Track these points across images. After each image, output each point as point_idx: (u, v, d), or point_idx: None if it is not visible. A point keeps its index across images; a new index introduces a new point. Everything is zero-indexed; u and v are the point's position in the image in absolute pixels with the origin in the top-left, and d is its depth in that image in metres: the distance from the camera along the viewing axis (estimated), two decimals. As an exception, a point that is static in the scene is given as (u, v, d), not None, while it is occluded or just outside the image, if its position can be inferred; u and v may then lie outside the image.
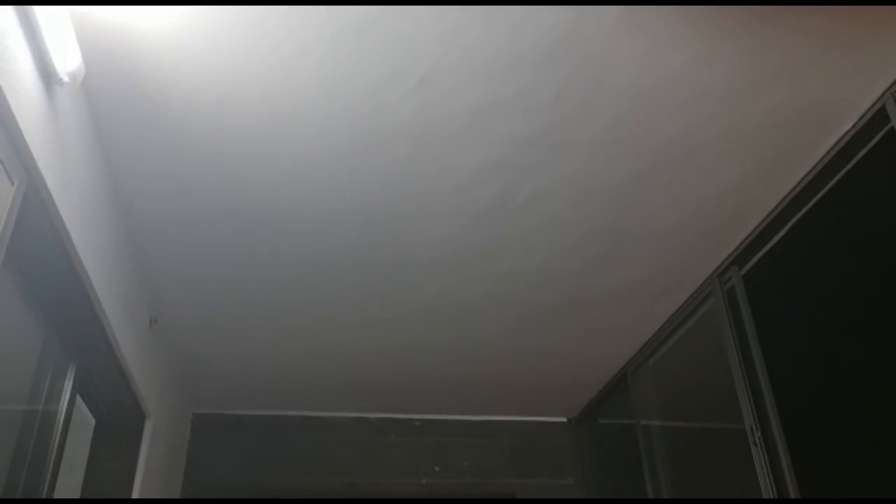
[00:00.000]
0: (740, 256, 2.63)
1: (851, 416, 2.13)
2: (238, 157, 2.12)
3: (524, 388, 3.82)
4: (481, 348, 3.36)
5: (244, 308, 2.93)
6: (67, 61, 1.59)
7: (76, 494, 2.53)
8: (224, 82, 1.86)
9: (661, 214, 2.45)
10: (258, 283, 2.76)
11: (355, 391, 3.79)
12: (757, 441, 2.45)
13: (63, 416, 2.17)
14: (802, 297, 2.35)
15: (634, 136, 2.11)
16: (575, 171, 2.24)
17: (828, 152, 2.18)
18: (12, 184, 1.49)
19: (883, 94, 1.97)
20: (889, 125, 1.96)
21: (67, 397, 2.20)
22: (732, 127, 2.08)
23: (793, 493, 2.28)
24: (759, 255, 2.53)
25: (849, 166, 2.12)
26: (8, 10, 1.39)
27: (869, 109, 2.02)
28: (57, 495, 2.15)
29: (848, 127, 2.09)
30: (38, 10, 1.46)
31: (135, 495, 2.73)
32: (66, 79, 1.61)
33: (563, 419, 4.25)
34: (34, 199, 1.61)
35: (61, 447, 2.15)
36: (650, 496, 3.28)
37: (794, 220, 2.36)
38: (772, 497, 2.36)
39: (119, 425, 2.76)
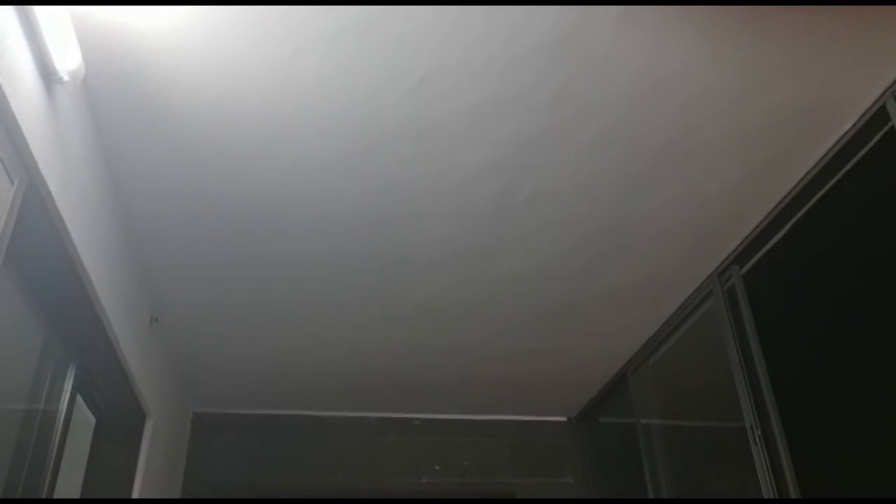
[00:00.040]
0: (740, 256, 2.63)
1: (851, 415, 2.13)
2: (238, 157, 2.12)
3: (524, 387, 3.82)
4: (481, 348, 3.36)
5: (244, 308, 2.93)
6: (68, 60, 1.59)
7: (76, 494, 2.53)
8: (224, 82, 1.86)
9: (661, 214, 2.45)
10: (258, 283, 2.76)
11: (355, 391, 3.79)
12: (757, 440, 2.45)
13: (63, 415, 2.17)
14: (802, 296, 2.35)
15: (634, 136, 2.11)
16: (575, 171, 2.24)
17: (828, 152, 2.18)
18: (12, 183, 1.49)
19: (883, 94, 1.97)
20: (889, 124, 1.96)
21: (68, 397, 2.20)
22: (732, 127, 2.08)
23: (793, 492, 2.29)
24: (760, 254, 2.53)
25: (849, 166, 2.12)
26: (8, 10, 1.39)
27: (869, 109, 2.02)
28: (57, 495, 2.15)
29: (848, 126, 2.09)
30: (39, 10, 1.46)
31: (135, 494, 2.73)
32: (66, 78, 1.60)
33: (564, 418, 4.25)
34: (34, 199, 1.61)
35: (61, 446, 2.15)
36: (650, 495, 3.28)
37: (794, 220, 2.36)
38: (772, 496, 2.36)
39: (119, 425, 2.76)
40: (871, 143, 2.04)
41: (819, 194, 2.25)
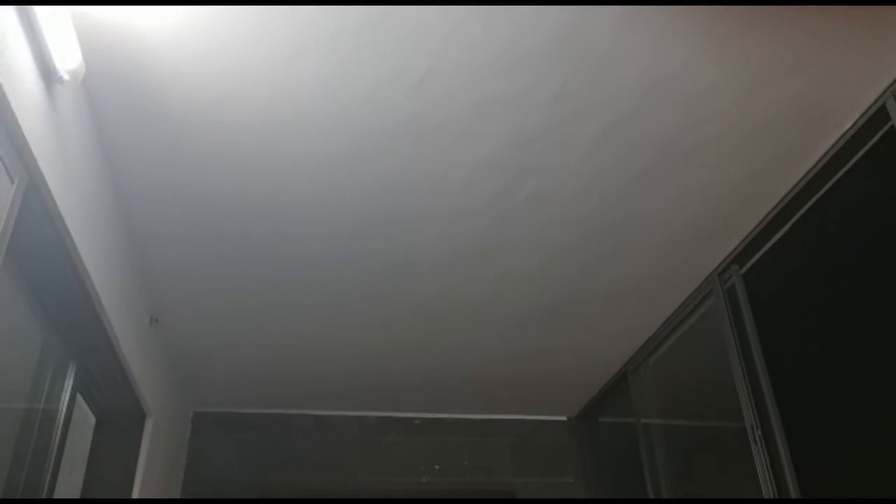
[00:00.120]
0: (740, 255, 2.63)
1: (851, 415, 2.13)
2: (238, 157, 2.12)
3: (524, 387, 3.82)
4: (481, 348, 3.36)
5: (245, 308, 2.93)
6: (68, 60, 1.59)
7: (76, 494, 2.53)
8: (224, 82, 1.86)
9: (661, 213, 2.45)
10: (259, 284, 2.76)
11: (355, 391, 3.80)
12: (757, 439, 2.45)
13: (64, 414, 2.17)
14: (802, 295, 2.35)
15: (635, 135, 2.11)
16: (575, 170, 2.24)
17: (828, 151, 2.18)
18: (12, 182, 1.49)
19: (883, 93, 1.97)
20: (889, 124, 1.96)
21: (68, 396, 2.20)
22: (732, 126, 2.08)
23: (793, 491, 2.29)
24: (760, 253, 2.53)
25: (849, 165, 2.12)
26: (8, 10, 1.39)
27: (869, 108, 2.02)
28: (57, 495, 2.15)
29: (848, 126, 2.09)
30: (39, 10, 1.46)
31: (135, 494, 2.73)
32: (66, 77, 1.60)
33: (563, 418, 4.25)
34: (34, 198, 1.61)
35: (61, 446, 2.15)
36: (650, 495, 3.28)
37: (794, 219, 2.36)
38: (772, 496, 2.36)
39: (120, 424, 2.76)
40: (871, 143, 2.04)
41: (819, 194, 2.25)
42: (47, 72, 1.58)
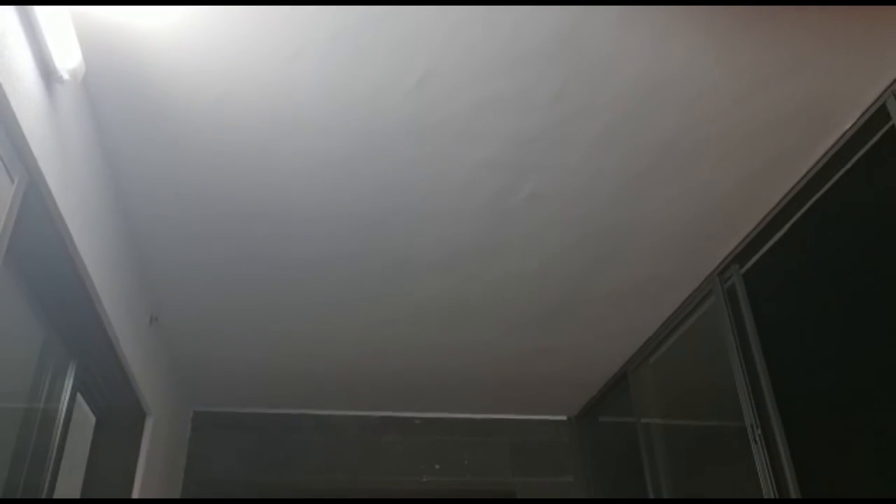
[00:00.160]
0: (740, 255, 2.63)
1: (851, 414, 2.13)
2: (238, 157, 2.12)
3: (524, 387, 3.82)
4: (481, 348, 3.36)
5: (245, 308, 2.93)
6: (68, 59, 1.59)
7: (76, 494, 2.53)
8: (224, 82, 1.86)
9: (661, 213, 2.45)
10: (259, 284, 2.76)
11: (355, 390, 3.80)
12: (757, 439, 2.45)
13: (63, 414, 2.17)
14: (802, 295, 2.35)
15: (635, 135, 2.11)
16: (575, 170, 2.24)
17: (828, 151, 2.18)
18: (12, 182, 1.49)
19: (884, 92, 1.97)
20: (889, 123, 1.96)
21: (68, 396, 2.20)
22: (732, 126, 2.08)
23: (793, 491, 2.29)
24: (760, 253, 2.53)
25: (849, 165, 2.12)
26: (8, 10, 1.39)
27: (869, 108, 2.02)
28: (57, 495, 2.15)
29: (848, 125, 2.09)
30: (39, 9, 1.46)
31: (135, 493, 2.73)
32: (66, 77, 1.60)
33: (563, 417, 4.25)
34: (34, 198, 1.61)
35: (61, 446, 2.15)
36: (650, 494, 3.28)
37: (794, 219, 2.36)
38: (772, 496, 2.36)
39: (120, 423, 2.76)
40: (872, 143, 2.04)
41: (819, 193, 2.25)
42: (47, 71, 1.58)
